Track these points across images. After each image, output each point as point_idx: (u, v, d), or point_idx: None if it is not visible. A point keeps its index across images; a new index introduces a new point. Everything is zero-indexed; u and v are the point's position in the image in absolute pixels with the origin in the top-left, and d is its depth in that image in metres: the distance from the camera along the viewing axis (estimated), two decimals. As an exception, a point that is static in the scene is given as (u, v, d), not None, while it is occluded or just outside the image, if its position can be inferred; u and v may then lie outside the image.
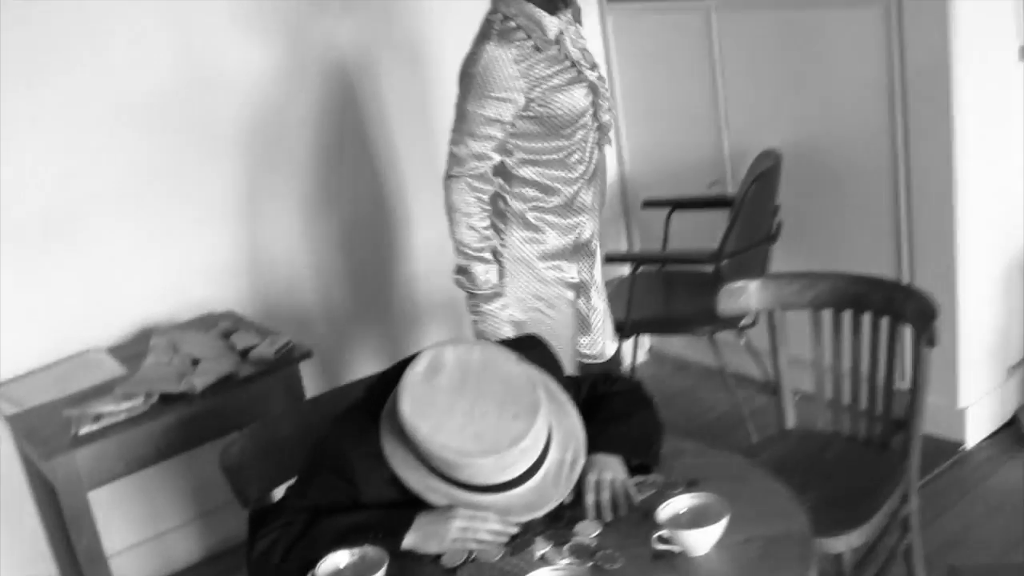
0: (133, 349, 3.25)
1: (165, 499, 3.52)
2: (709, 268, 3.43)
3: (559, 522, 1.92)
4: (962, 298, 3.42)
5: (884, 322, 2.56)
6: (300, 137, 3.67)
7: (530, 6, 2.66)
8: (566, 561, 1.81)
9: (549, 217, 2.83)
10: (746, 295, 2.72)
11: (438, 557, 1.87)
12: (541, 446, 1.92)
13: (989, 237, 3.47)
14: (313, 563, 1.84)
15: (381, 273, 3.94)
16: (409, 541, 1.88)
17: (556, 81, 2.69)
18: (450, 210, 2.74)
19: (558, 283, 2.88)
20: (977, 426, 3.60)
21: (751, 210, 3.48)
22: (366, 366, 3.75)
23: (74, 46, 3.19)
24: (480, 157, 2.70)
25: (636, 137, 4.38)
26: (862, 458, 2.62)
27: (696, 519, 1.81)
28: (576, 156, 2.81)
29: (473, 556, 1.86)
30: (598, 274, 3.02)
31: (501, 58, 2.62)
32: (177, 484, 3.52)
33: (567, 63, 2.72)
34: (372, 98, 3.81)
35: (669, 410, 2.38)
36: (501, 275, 2.80)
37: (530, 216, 2.81)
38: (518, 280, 2.83)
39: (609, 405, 2.13)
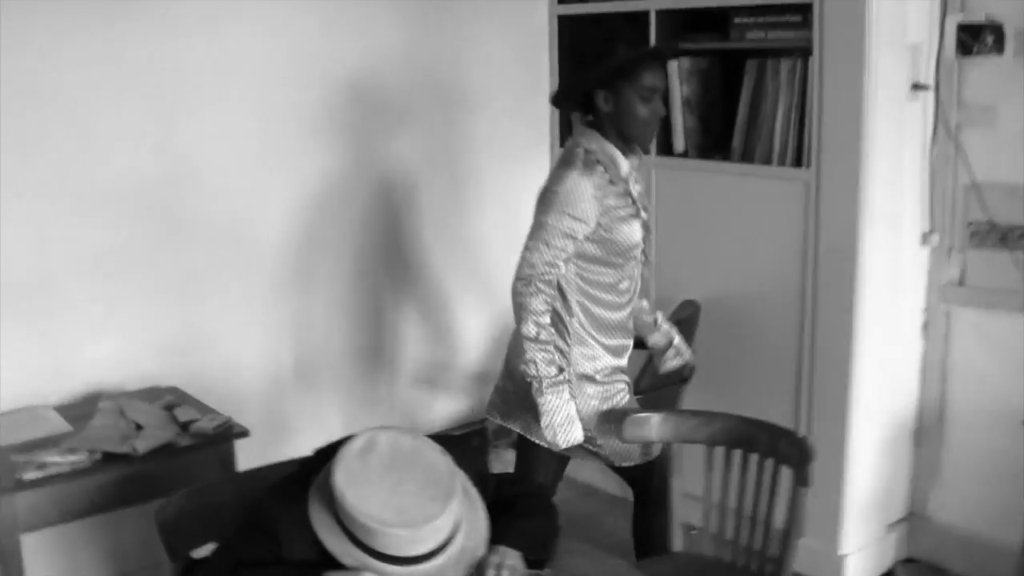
0: (80, 410, 3.46)
1: (89, 555, 3.68)
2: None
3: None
4: (851, 452, 3.73)
5: (768, 463, 2.86)
6: (267, 226, 3.96)
7: (610, 146, 3.09)
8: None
9: (602, 339, 3.18)
10: (649, 426, 3.02)
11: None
12: (450, 529, 2.17)
13: (880, 402, 3.81)
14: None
15: (325, 360, 4.20)
16: (320, 602, 2.11)
17: (622, 213, 3.10)
18: (520, 308, 3.10)
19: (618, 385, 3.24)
20: (855, 574, 3.87)
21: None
22: (301, 447, 3.96)
23: (60, 123, 3.48)
24: (551, 264, 3.06)
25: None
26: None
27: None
28: (625, 284, 3.18)
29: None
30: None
31: (583, 184, 3.02)
32: (103, 543, 3.68)
33: (630, 199, 3.13)
34: (339, 198, 4.13)
35: (571, 530, 2.63)
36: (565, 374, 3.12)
37: (586, 336, 3.16)
38: (583, 393, 3.16)
39: (514, 505, 2.39)
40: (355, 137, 4.16)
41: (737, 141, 3.92)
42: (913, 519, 4.07)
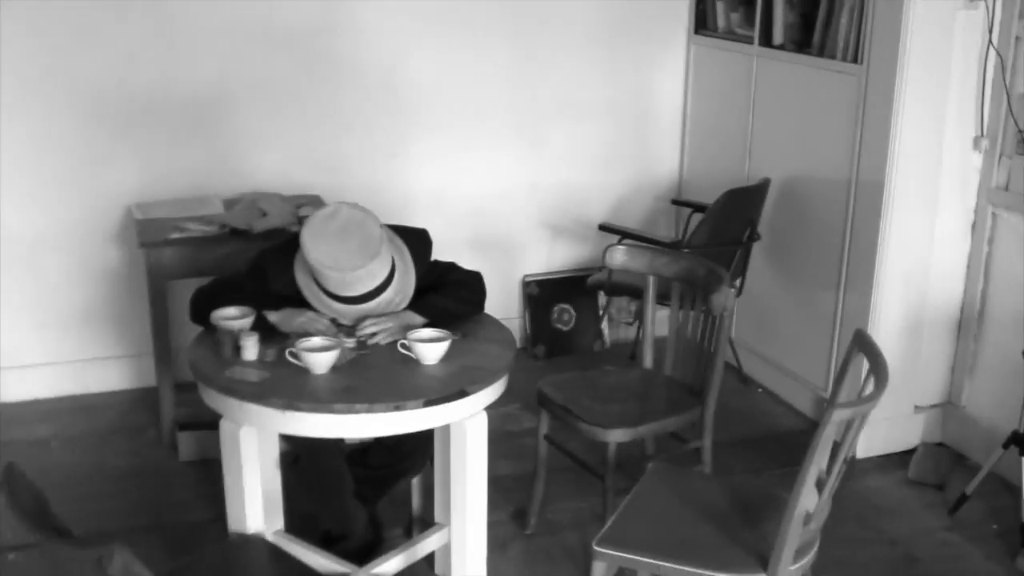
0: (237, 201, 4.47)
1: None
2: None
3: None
4: (874, 328, 4.10)
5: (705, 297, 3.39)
6: (412, 73, 4.80)
7: None
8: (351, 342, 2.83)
9: None
10: (633, 255, 3.60)
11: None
12: (378, 283, 2.92)
13: (912, 289, 4.13)
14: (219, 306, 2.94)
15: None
16: (274, 317, 2.95)
17: None
18: None
19: None
20: (870, 442, 4.26)
21: (720, 217, 4.32)
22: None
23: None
24: None
25: (692, 149, 5.26)
26: (673, 394, 3.47)
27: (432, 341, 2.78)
28: None
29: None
30: None
31: None
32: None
33: None
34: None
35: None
36: None
37: None
38: None
39: (445, 284, 3.11)
40: None
41: (817, 36, 4.30)
42: (947, 407, 4.37)
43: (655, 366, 3.66)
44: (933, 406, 4.38)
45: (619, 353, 5.22)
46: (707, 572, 2.53)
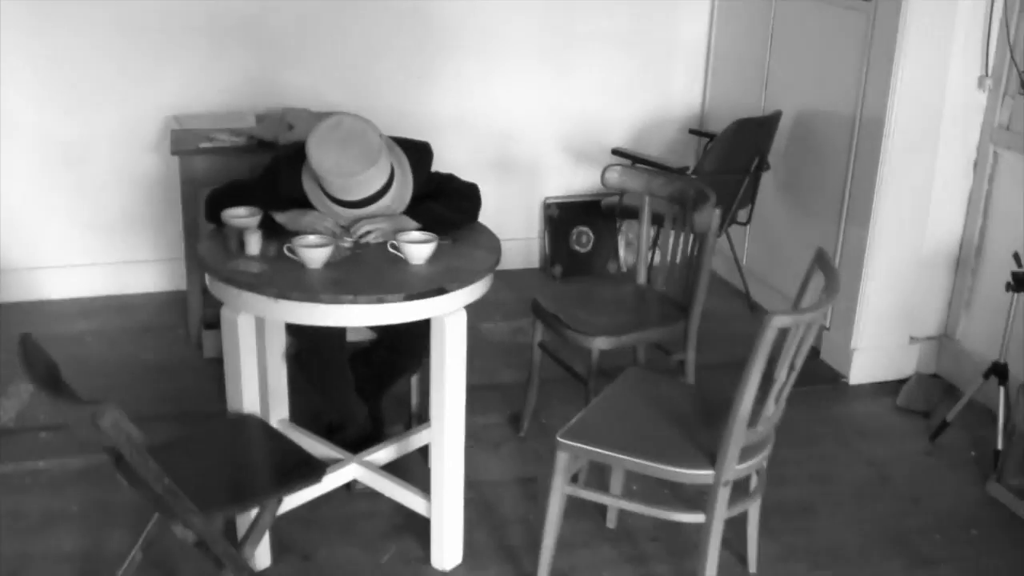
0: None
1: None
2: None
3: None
4: (870, 260, 4.24)
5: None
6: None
7: None
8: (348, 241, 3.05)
9: None
10: (630, 176, 3.76)
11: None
12: (376, 189, 3.13)
13: (908, 224, 4.25)
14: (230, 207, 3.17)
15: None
16: (281, 217, 3.17)
17: None
18: None
19: None
20: (863, 369, 4.41)
21: (729, 145, 4.46)
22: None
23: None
24: None
25: (715, 83, 5.38)
26: (662, 308, 3.65)
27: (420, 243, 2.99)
28: None
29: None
30: None
31: None
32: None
33: None
34: None
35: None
36: None
37: None
38: None
39: (442, 193, 3.30)
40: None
41: (834, -26, 4.40)
42: (943, 339, 4.50)
43: (648, 282, 3.84)
44: (929, 338, 4.51)
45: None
46: (658, 465, 2.73)
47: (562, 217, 5.37)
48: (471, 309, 2.99)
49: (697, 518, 2.81)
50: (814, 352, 4.50)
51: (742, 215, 4.89)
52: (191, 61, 4.76)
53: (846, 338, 4.40)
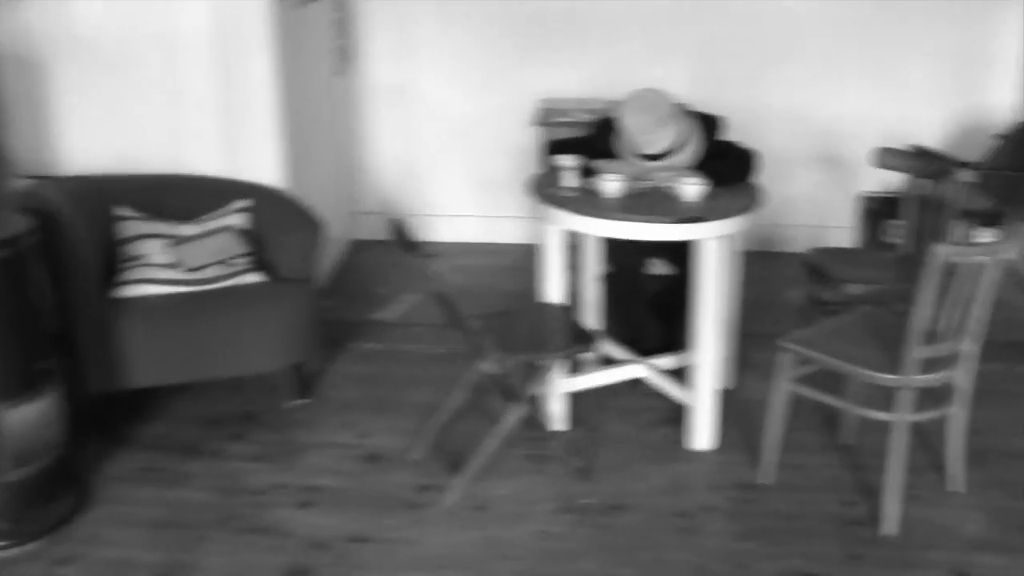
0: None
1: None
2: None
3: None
4: None
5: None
6: None
7: None
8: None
9: None
10: (893, 156, 4.41)
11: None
12: (668, 146, 4.03)
13: None
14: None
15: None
16: (599, 164, 4.13)
17: None
18: None
19: None
20: None
21: (1017, 144, 4.94)
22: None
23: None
24: None
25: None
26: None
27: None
28: None
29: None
30: None
31: None
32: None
33: None
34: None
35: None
36: None
37: None
38: None
39: (725, 153, 4.14)
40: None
41: None
42: None
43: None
44: None
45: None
46: (854, 367, 3.44)
47: (874, 210, 5.96)
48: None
49: (888, 417, 3.47)
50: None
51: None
52: (557, 57, 5.93)
53: None
